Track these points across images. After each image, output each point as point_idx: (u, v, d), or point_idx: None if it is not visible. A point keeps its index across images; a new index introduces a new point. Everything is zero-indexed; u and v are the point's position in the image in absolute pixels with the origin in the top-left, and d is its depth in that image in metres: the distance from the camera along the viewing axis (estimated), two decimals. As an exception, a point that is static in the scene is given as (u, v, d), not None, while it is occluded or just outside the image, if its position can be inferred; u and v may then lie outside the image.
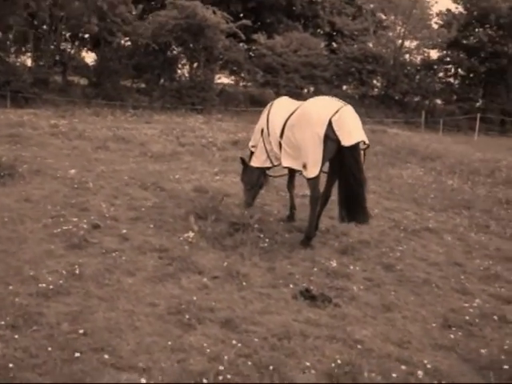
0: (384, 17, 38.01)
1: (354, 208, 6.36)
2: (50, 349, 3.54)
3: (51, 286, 4.47)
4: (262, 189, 7.94)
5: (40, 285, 4.48)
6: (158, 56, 27.61)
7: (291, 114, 6.63)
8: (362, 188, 6.29)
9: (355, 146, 6.15)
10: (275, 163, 7.27)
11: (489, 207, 9.81)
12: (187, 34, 25.89)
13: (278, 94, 33.73)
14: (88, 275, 4.84)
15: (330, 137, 6.06)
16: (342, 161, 6.23)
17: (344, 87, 37.16)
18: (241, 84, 36.61)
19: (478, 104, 37.34)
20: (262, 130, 7.29)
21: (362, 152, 6.37)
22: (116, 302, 4.39)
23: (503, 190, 11.57)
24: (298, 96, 34.37)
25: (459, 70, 38.28)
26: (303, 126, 6.26)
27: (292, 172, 7.49)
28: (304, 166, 6.30)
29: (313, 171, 6.17)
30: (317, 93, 32.16)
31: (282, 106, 7.20)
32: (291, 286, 5.18)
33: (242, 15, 34.21)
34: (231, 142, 15.57)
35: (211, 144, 14.84)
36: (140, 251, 5.68)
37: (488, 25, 35.28)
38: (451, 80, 39.16)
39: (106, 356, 3.53)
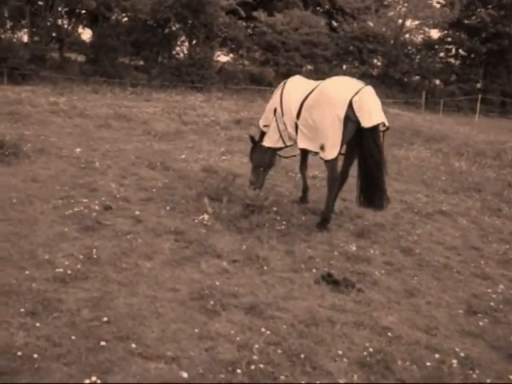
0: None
1: (372, 192, 6.27)
2: (73, 337, 3.40)
3: (68, 271, 4.31)
4: (271, 169, 7.80)
5: (56, 269, 4.33)
6: (157, 33, 27.17)
7: (308, 95, 6.45)
8: (381, 171, 6.16)
9: (375, 128, 6.02)
10: (288, 143, 7.15)
11: (499, 190, 9.73)
12: (187, 10, 25.42)
13: (277, 73, 33.48)
14: (105, 259, 4.69)
15: (351, 118, 5.92)
16: (360, 143, 6.09)
17: (344, 66, 36.80)
18: (240, 62, 36.14)
19: (478, 85, 37.10)
20: (275, 110, 7.11)
21: (381, 134, 6.22)
22: (136, 287, 4.25)
23: (511, 173, 11.47)
24: (299, 73, 34.18)
25: (460, 50, 38.05)
26: (322, 106, 6.10)
27: (304, 153, 7.35)
28: (322, 148, 6.15)
29: (331, 153, 6.03)
30: (317, 72, 31.89)
31: (296, 86, 7.01)
32: (313, 270, 5.08)
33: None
34: (234, 121, 15.47)
35: (214, 123, 14.72)
36: (155, 234, 5.53)
37: (490, 5, 34.84)
38: (452, 60, 38.93)
39: (133, 345, 3.39)
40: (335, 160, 6.12)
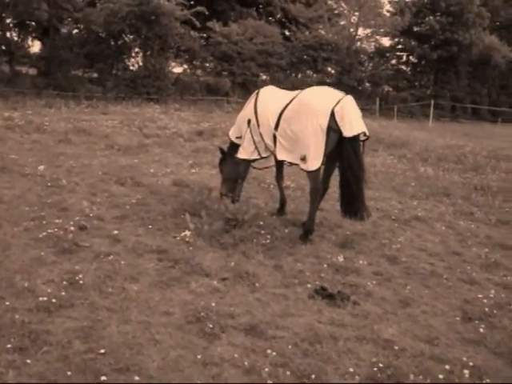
0: (336, 5, 38.20)
1: (352, 203, 6.25)
2: (69, 373, 3.16)
3: (52, 299, 4.03)
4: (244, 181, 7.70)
5: (39, 298, 4.04)
6: (110, 44, 26.62)
7: (287, 105, 6.39)
8: (360, 183, 6.15)
9: (355, 138, 6.01)
10: (263, 155, 7.06)
11: (466, 194, 9.94)
12: (141, 21, 25.00)
13: (233, 83, 33.48)
14: (88, 283, 4.43)
15: (333, 128, 5.89)
16: (340, 153, 6.07)
17: (299, 75, 37.18)
18: (195, 73, 35.92)
19: (429, 91, 38.27)
20: (249, 121, 7.01)
21: (361, 144, 6.21)
22: (127, 313, 4.02)
23: (475, 177, 11.80)
24: (254, 84, 34.21)
25: (411, 57, 39.15)
26: (303, 117, 6.04)
27: (280, 163, 7.25)
28: (303, 159, 6.08)
29: (314, 164, 5.97)
30: (272, 81, 32.02)
31: (271, 96, 6.95)
32: (305, 284, 4.98)
33: (193, 2, 33.41)
34: (196, 133, 15.46)
35: (176, 135, 14.64)
36: (137, 254, 5.31)
37: (438, 12, 36.07)
38: (403, 67, 40.01)
39: (136, 377, 3.18)
40: (318, 171, 6.07)
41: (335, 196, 7.25)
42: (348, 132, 5.89)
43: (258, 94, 7.17)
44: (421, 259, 6.09)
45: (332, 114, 5.86)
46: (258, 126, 6.83)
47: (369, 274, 5.45)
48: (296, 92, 6.66)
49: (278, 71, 33.63)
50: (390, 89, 39.37)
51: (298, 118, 6.12)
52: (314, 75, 35.22)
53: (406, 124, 27.10)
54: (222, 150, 7.65)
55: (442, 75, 38.00)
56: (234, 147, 7.49)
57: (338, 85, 35.89)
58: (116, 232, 5.81)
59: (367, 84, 37.48)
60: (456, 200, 9.38)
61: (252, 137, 6.97)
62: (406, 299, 4.92)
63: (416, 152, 14.76)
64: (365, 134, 6.18)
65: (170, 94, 27.42)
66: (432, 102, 31.30)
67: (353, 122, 5.94)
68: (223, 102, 29.47)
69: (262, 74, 34.86)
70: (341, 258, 5.73)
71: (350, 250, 6.13)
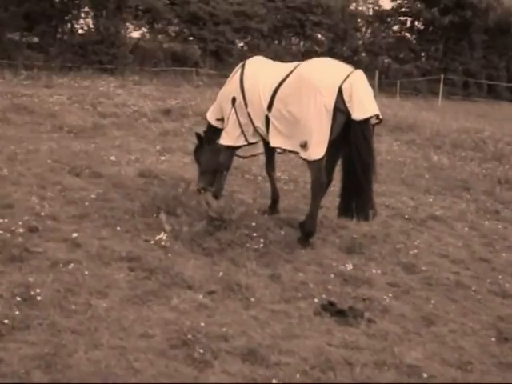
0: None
1: (356, 200, 6.23)
2: (31, 413, 3.07)
3: (3, 320, 3.92)
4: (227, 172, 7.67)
5: (-14, 318, 3.93)
6: (54, 2, 26.23)
7: (283, 81, 6.34)
8: (370, 175, 6.16)
9: (366, 121, 6.00)
10: (251, 141, 7.04)
11: (489, 188, 10.10)
12: (92, -27, 24.74)
13: (205, 51, 33.35)
14: (46, 299, 4.31)
15: (340, 108, 5.87)
16: (347, 139, 6.05)
17: (284, 42, 37.17)
18: (158, 38, 35.61)
19: (437, 63, 38.62)
20: (234, 100, 6.97)
21: (372, 128, 6.22)
22: (96, 336, 3.94)
23: (497, 168, 11.94)
24: (229, 53, 34.06)
25: (416, 22, 39.33)
26: (304, 95, 5.99)
27: (270, 151, 7.25)
28: (303, 146, 6.04)
29: (317, 152, 5.93)
30: (252, 49, 31.97)
31: (262, 69, 6.92)
32: (308, 299, 4.97)
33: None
34: (162, 112, 15.45)
35: (138, 114, 14.63)
36: (102, 262, 5.22)
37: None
38: (407, 34, 40.23)
39: (116, 416, 3.12)
40: (322, 160, 6.03)
41: (335, 190, 7.23)
42: (358, 114, 5.86)
43: (244, 65, 7.12)
44: (443, 267, 6.14)
45: (339, 92, 5.83)
46: (246, 105, 6.78)
47: (383, 286, 5.46)
48: (293, 64, 6.62)
49: (257, 37, 33.60)
50: (392, 60, 39.65)
51: (298, 96, 6.07)
52: (302, 43, 35.33)
53: (410, 103, 27.39)
54: (198, 136, 7.62)
55: (453, 45, 38.38)
56: (214, 132, 7.48)
57: (329, 55, 35.90)
58: (75, 235, 5.71)
59: (364, 54, 37.64)
60: (478, 195, 9.52)
61: (238, 119, 6.93)
62: (430, 316, 4.92)
63: (426, 137, 14.93)
64: (377, 117, 6.16)
65: (127, 63, 27.34)
66: (442, 76, 31.62)
67: (364, 102, 5.92)
68: (192, 74, 29.33)
69: (238, 41, 34.79)
70: (349, 266, 5.74)
71: (359, 256, 6.14)
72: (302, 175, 9.15)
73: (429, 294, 5.41)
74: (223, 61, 32.54)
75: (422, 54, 38.35)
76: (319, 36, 37.17)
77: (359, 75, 6.06)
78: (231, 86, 7.12)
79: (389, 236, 6.89)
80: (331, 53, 35.53)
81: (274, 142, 6.50)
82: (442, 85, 31.50)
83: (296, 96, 6.10)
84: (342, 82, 5.86)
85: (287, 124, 6.27)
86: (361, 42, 36.55)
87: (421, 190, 9.62)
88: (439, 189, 9.77)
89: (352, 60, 36.50)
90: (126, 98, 17.11)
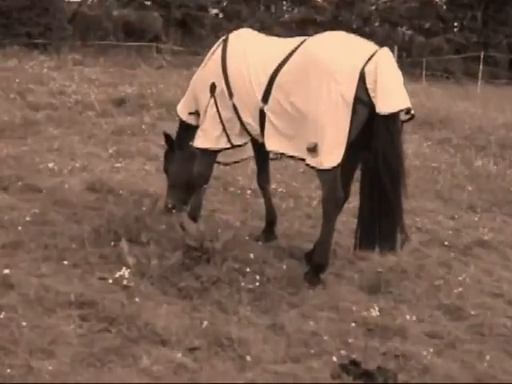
0: None
1: (383, 223, 6.09)
2: None
3: None
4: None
5: None
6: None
7: (283, 62, 6.14)
8: (399, 189, 6.00)
9: (395, 116, 5.82)
10: (237, 142, 6.92)
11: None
12: None
13: (168, 20, 32.91)
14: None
15: (363, 99, 5.71)
16: (368, 140, 5.84)
17: (273, 8, 36.92)
18: (106, 4, 35.23)
19: (475, 37, 37.97)
20: (213, 87, 6.79)
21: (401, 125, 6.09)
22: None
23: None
24: (199, 23, 33.60)
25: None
26: (313, 81, 5.83)
27: (263, 157, 7.18)
28: (312, 150, 5.86)
29: (331, 158, 5.73)
30: (229, 18, 31.59)
31: (252, 46, 6.75)
32: (323, 356, 4.81)
33: None
34: (114, 102, 15.52)
35: (82, 105, 14.71)
36: (44, 308, 5.03)
37: None
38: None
39: None
40: (337, 169, 5.83)
41: (351, 208, 7.26)
42: (385, 107, 5.68)
43: (226, 41, 6.99)
44: (497, 310, 6.03)
45: (361, 77, 5.67)
46: (230, 94, 6.63)
47: (421, 337, 5.34)
48: (296, 40, 6.44)
49: (237, 2, 33.34)
50: (415, 32, 39.18)
51: (305, 84, 5.92)
52: (296, 9, 35.00)
53: (441, 89, 27.43)
54: (167, 137, 7.50)
55: (494, 12, 37.70)
56: (187, 130, 7.32)
57: (332, 24, 35.33)
58: (6, 271, 5.51)
59: (378, 24, 37.38)
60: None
61: (218, 112, 6.76)
62: (484, 376, 4.81)
63: (465, 135, 15.03)
64: (408, 111, 6.00)
65: (65, 37, 27.07)
66: (481, 54, 31.27)
67: (393, 91, 5.77)
68: (151, 50, 29.05)
69: (211, 8, 34.51)
70: (374, 311, 5.62)
71: (386, 298, 6.03)
72: (304, 187, 9.23)
73: (481, 347, 5.29)
74: (192, 33, 32.35)
75: (455, 24, 37.87)
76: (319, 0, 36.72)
77: (386, 55, 5.91)
78: (209, 68, 6.99)
79: (423, 269, 6.84)
80: (335, 22, 35.14)
81: (271, 143, 6.39)
82: (481, 65, 31.21)
83: (302, 83, 5.96)
84: (365, 65, 5.70)
85: (290, 120, 6.16)
86: (374, 7, 36.09)
87: (462, 206, 9.60)
88: (486, 205, 9.79)
89: (362, 32, 36.31)
90: (65, 83, 17.02)
